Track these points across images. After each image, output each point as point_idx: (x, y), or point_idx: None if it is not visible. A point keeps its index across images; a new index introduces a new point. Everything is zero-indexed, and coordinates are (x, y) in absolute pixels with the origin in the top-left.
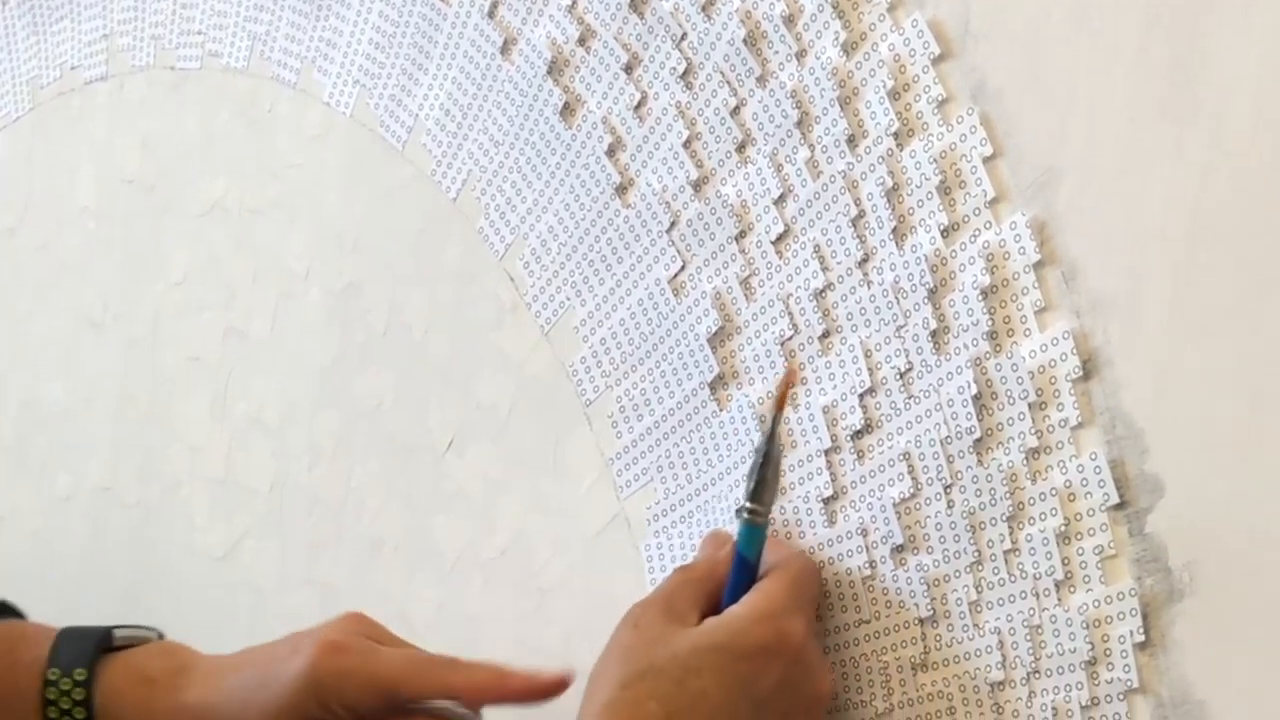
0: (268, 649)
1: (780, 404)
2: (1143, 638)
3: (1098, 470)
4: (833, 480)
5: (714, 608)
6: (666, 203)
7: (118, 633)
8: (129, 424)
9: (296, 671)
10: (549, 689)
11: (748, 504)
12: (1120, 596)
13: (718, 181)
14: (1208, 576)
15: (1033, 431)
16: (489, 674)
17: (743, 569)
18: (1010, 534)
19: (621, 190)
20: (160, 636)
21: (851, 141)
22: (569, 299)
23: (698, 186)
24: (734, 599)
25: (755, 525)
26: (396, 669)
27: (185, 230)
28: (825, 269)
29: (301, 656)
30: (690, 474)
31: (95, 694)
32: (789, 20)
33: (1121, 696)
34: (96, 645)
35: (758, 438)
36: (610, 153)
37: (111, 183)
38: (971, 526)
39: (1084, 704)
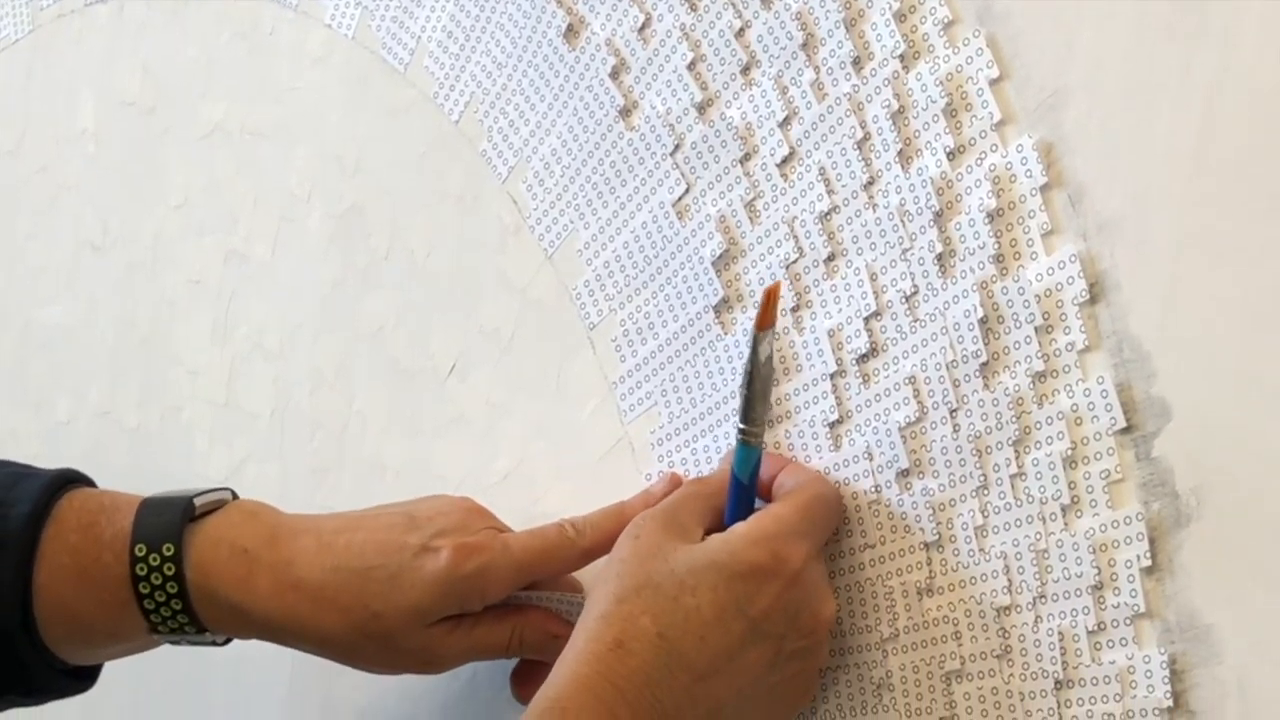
0: (384, 529)
1: (762, 321)
2: (1149, 562)
3: (1104, 394)
4: (838, 404)
5: (720, 524)
6: (671, 125)
7: (197, 500)
8: (129, 348)
9: (435, 575)
10: (670, 491)
11: (739, 424)
12: (1127, 521)
13: (722, 104)
14: (1215, 501)
15: (1039, 355)
16: (611, 518)
17: (738, 489)
18: (1016, 458)
19: (625, 113)
20: (234, 495)
21: (857, 64)
22: (572, 222)
23: (702, 109)
24: (733, 519)
25: (747, 445)
26: (532, 558)
27: (186, 153)
28: (830, 192)
29: (439, 559)
30: (694, 398)
31: (187, 569)
32: None
33: (1128, 621)
34: (182, 515)
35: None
36: (614, 75)
37: (111, 105)
38: (977, 451)
39: (1090, 629)
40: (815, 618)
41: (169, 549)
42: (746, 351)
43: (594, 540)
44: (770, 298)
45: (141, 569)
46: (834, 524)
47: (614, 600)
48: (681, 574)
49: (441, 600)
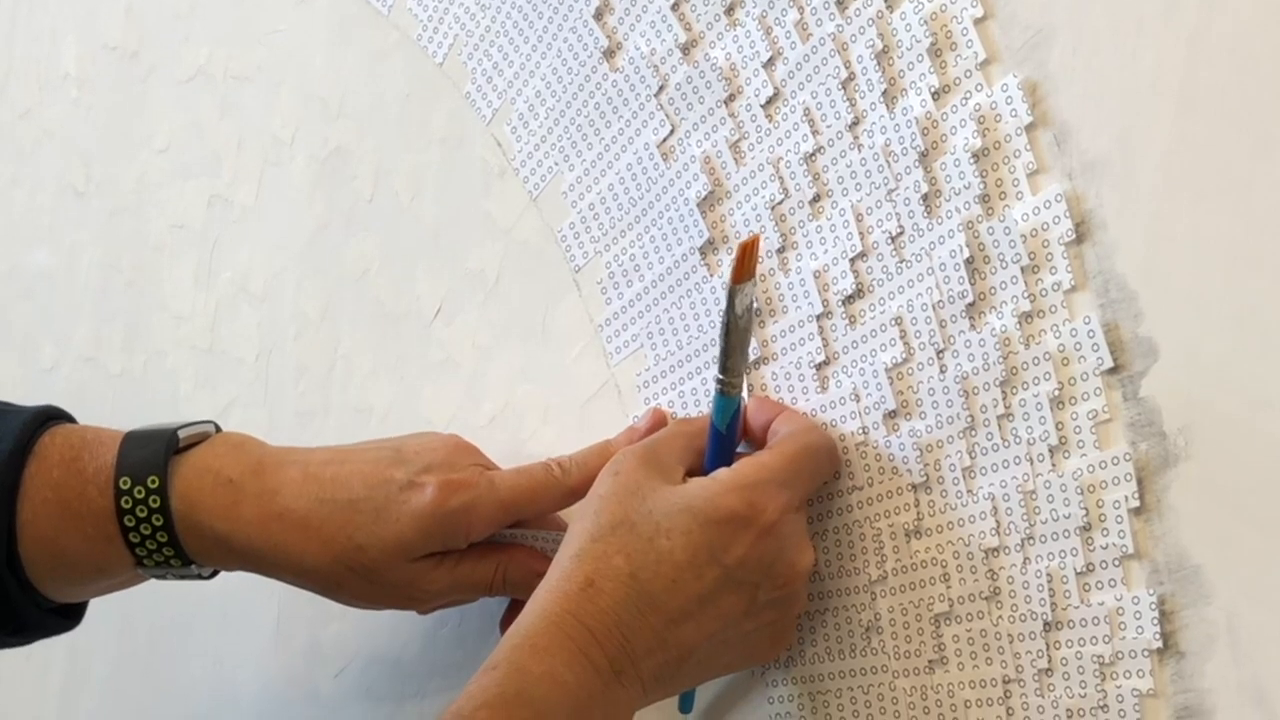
0: (371, 462)
1: (738, 274)
2: (1137, 503)
3: (1091, 334)
4: (824, 345)
5: (702, 467)
6: (655, 66)
7: (181, 432)
8: (113, 293)
9: (420, 510)
10: (654, 428)
11: (718, 374)
12: (1115, 461)
13: (706, 45)
14: (1203, 441)
15: (1025, 295)
16: (597, 455)
17: (716, 438)
18: (1003, 399)
19: (609, 54)
20: (217, 429)
21: (841, 3)
22: (557, 164)
23: (686, 50)
24: (713, 466)
25: (724, 395)
26: (519, 495)
27: (169, 97)
28: (815, 132)
29: (424, 495)
30: (681, 340)
31: (172, 500)
32: None
33: (1116, 562)
34: (166, 447)
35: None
36: (598, 16)
37: (95, 49)
38: (964, 391)
39: (1079, 570)
40: (791, 568)
41: (154, 481)
42: (724, 302)
43: (580, 479)
44: (746, 251)
45: (127, 502)
46: (823, 475)
47: (589, 538)
48: (658, 516)
49: (425, 535)
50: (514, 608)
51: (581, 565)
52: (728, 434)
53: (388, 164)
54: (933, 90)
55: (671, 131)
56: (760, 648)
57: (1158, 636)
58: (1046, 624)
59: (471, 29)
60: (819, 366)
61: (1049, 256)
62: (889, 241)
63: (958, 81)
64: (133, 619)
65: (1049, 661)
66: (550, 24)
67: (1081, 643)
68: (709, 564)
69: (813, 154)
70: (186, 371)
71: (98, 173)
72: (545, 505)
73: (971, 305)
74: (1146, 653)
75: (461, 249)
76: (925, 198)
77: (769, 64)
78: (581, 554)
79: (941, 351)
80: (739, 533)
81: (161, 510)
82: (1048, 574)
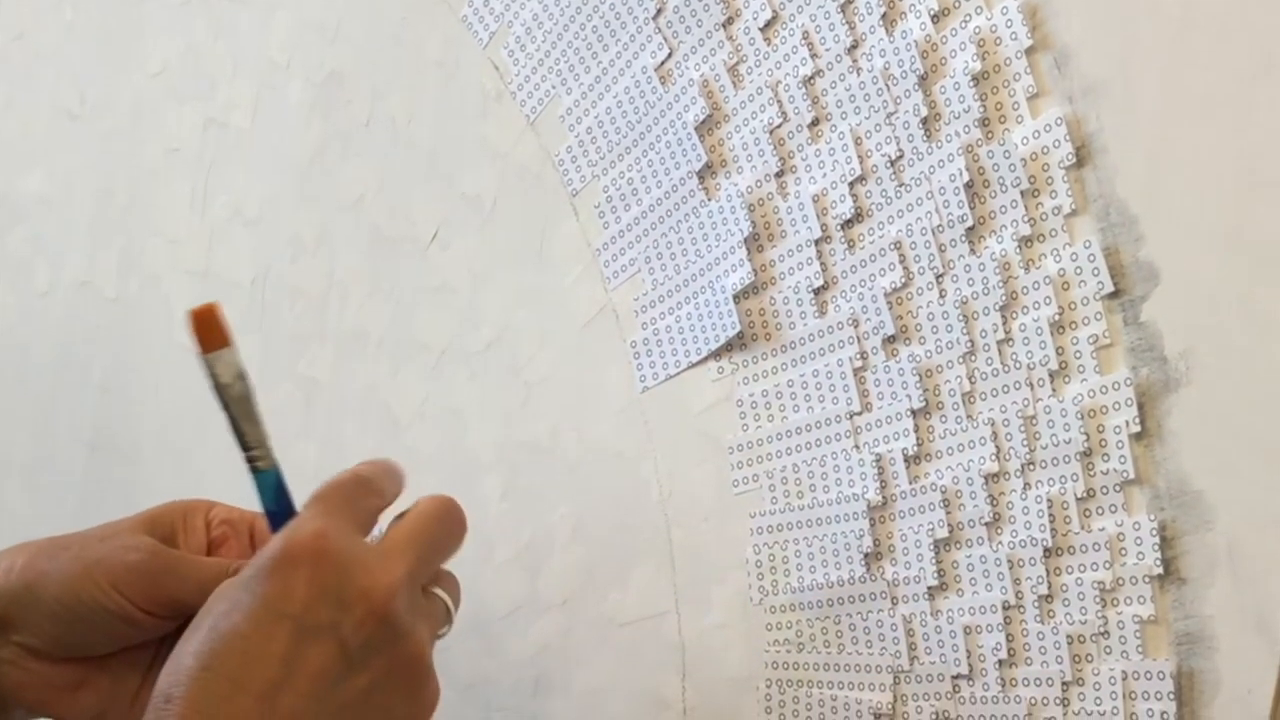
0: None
1: (203, 343)
2: (1138, 428)
3: (1092, 258)
4: (823, 270)
5: None
6: None
7: None
8: (108, 217)
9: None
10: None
11: (243, 453)
12: (1115, 386)
13: None
14: (1204, 365)
15: (1025, 219)
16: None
17: (271, 520)
18: (1004, 323)
19: None
20: None
21: None
22: (554, 87)
23: None
24: None
25: (257, 470)
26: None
27: (164, 20)
28: (814, 55)
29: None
30: (679, 264)
31: None
32: None
33: (1118, 488)
34: None
35: None
36: None
37: None
38: (964, 316)
39: (1080, 495)
40: (363, 592)
41: None
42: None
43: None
44: (200, 320)
45: None
46: (373, 489)
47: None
48: (214, 607)
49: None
50: None
51: (159, 684)
52: (279, 509)
53: (384, 88)
54: (932, 13)
55: (669, 55)
56: (399, 710)
57: (1159, 562)
58: (1047, 550)
59: None
60: (817, 291)
61: (1049, 180)
62: (888, 165)
63: (957, 4)
64: None
65: (1049, 587)
66: None
67: (1082, 568)
68: (274, 620)
69: (811, 77)
70: (181, 296)
71: (92, 96)
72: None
73: (971, 229)
74: (1147, 579)
75: (458, 173)
76: (925, 121)
77: None
78: (164, 670)
79: (941, 276)
80: (290, 574)
81: None
82: (1048, 499)
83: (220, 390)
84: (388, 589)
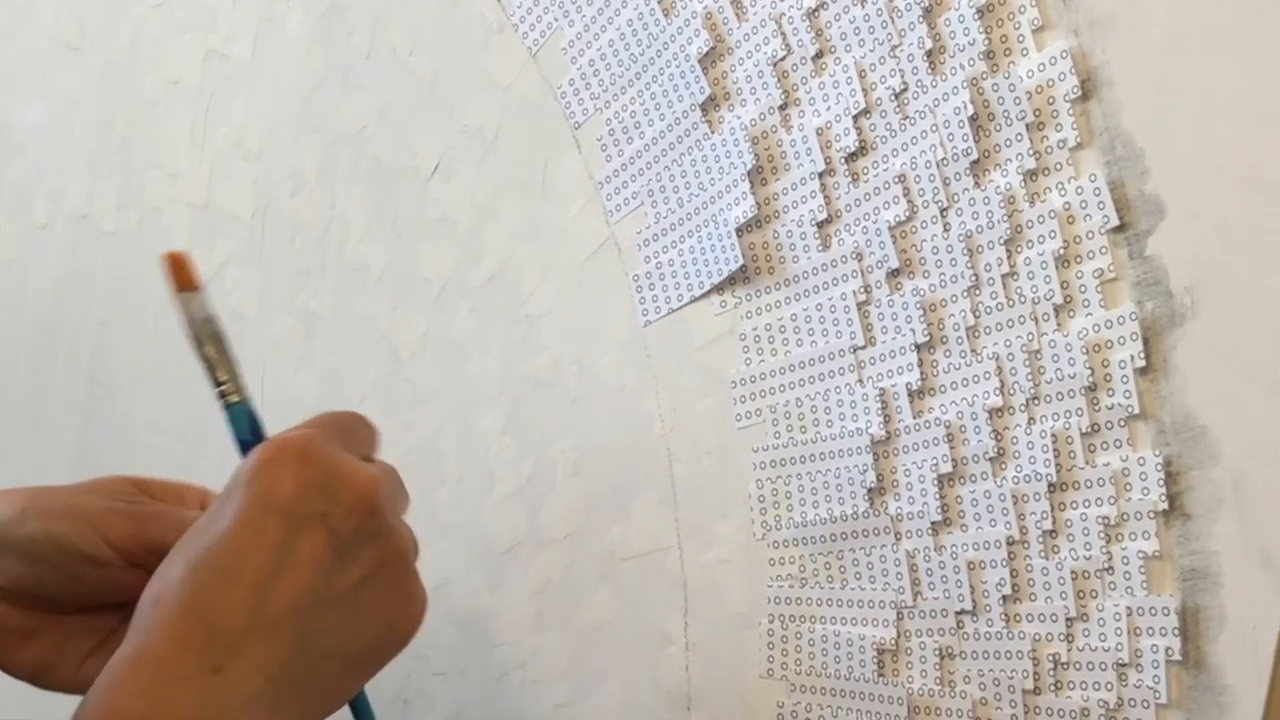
0: None
1: (177, 282)
2: (1143, 363)
3: (1097, 192)
4: (826, 203)
5: None
6: None
7: None
8: (107, 150)
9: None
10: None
11: (214, 389)
12: (1120, 320)
13: None
14: (1210, 300)
15: (1030, 153)
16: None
17: (245, 451)
18: (1008, 257)
19: None
20: None
21: None
22: (557, 19)
23: None
24: None
25: (230, 405)
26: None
27: None
28: None
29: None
30: (681, 197)
31: None
32: None
33: (1122, 423)
34: None
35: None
36: None
37: None
38: (968, 250)
39: (1084, 430)
40: (355, 486)
41: None
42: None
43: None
44: (174, 263)
45: None
46: (361, 436)
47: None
48: (200, 524)
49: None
50: None
51: (146, 593)
52: (254, 439)
53: (385, 19)
54: None
55: None
56: (390, 607)
57: (1164, 498)
58: (1051, 485)
59: None
60: (821, 224)
61: (1054, 114)
62: (892, 98)
63: None
64: None
65: (1054, 523)
66: None
67: (1087, 504)
68: (263, 514)
69: (815, 9)
70: (181, 229)
71: (91, 27)
72: None
73: (976, 163)
74: (1152, 514)
75: (460, 106)
76: (929, 54)
77: None
78: (150, 582)
79: (945, 209)
80: (278, 471)
81: None
82: (1053, 434)
83: (195, 329)
84: (372, 479)
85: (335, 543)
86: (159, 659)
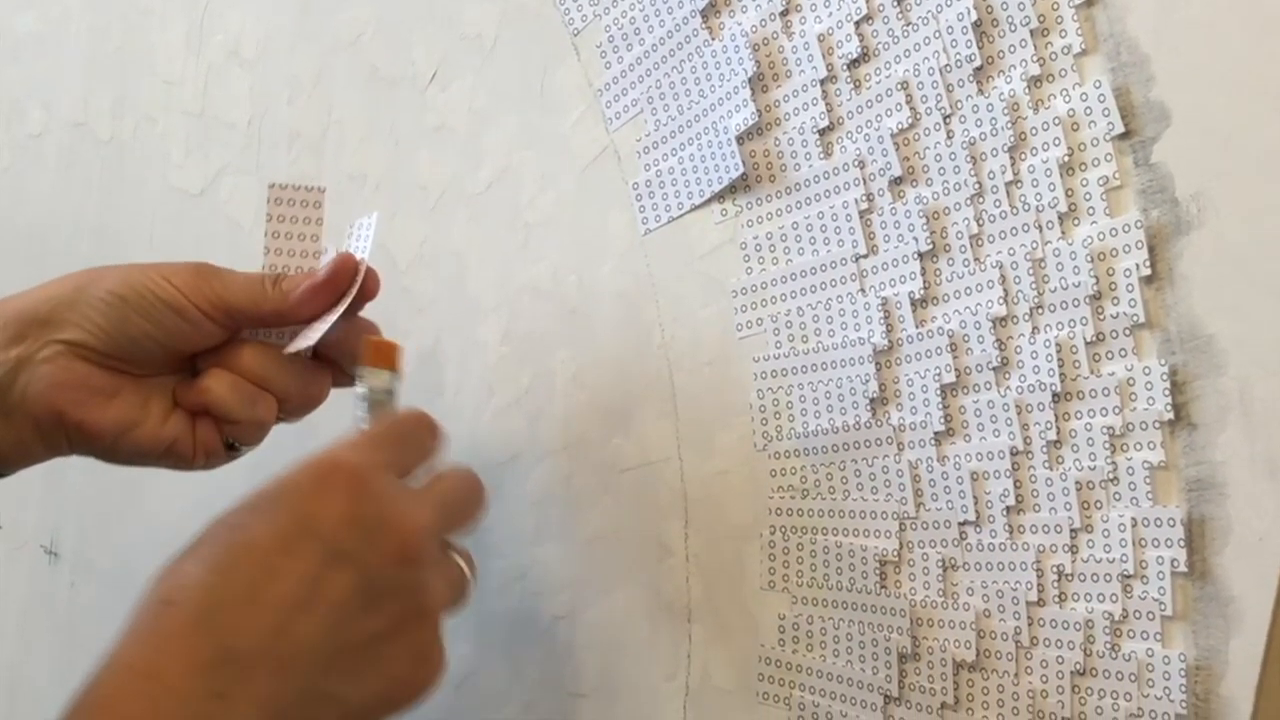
0: None
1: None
2: (1149, 271)
3: (1102, 98)
4: (828, 111)
5: None
6: None
7: None
8: (102, 57)
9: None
10: (338, 273)
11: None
12: (1125, 228)
13: None
14: (1216, 207)
15: (1034, 59)
16: (316, 285)
17: None
18: (1012, 165)
19: None
20: None
21: None
22: None
23: None
24: None
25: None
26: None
27: None
28: None
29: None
30: (681, 105)
31: None
32: None
33: (1127, 331)
34: None
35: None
36: None
37: None
38: (972, 157)
39: (1089, 339)
40: (399, 533)
41: None
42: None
43: (288, 304)
44: (389, 350)
45: None
46: (424, 443)
47: (177, 557)
48: (230, 520)
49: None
50: None
51: (156, 587)
52: None
53: None
54: None
55: None
56: (402, 666)
57: (1169, 408)
58: (1055, 395)
59: None
60: (823, 132)
61: (1059, 19)
62: (895, 4)
63: None
64: None
65: (1058, 433)
66: None
67: (1091, 414)
68: (301, 537)
69: None
70: (177, 137)
71: None
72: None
73: (979, 69)
74: (1157, 424)
75: (457, 12)
76: None
77: None
78: (161, 576)
79: (948, 116)
80: (327, 497)
81: None
82: (1057, 344)
83: (371, 395)
84: (417, 528)
85: (364, 586)
86: (163, 676)
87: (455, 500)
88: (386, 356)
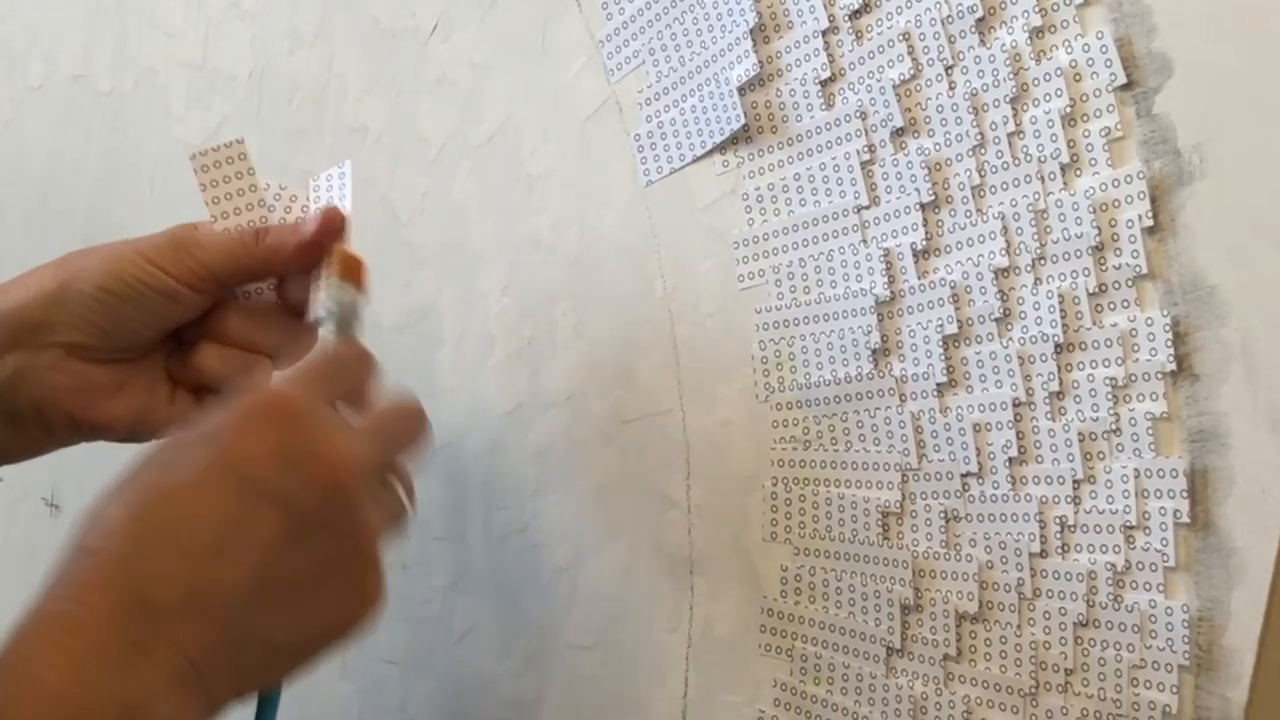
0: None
1: (351, 278)
2: (1151, 222)
3: (1104, 49)
4: (830, 62)
5: None
6: None
7: None
8: (102, 8)
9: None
10: (324, 230)
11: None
12: (1128, 179)
13: None
14: (1218, 158)
15: (1036, 9)
16: (288, 231)
17: None
18: (1014, 115)
19: None
20: None
21: None
22: None
23: None
24: None
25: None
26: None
27: None
28: None
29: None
30: (683, 56)
31: None
32: None
33: (1130, 283)
34: None
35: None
36: None
37: None
38: (974, 108)
39: (1091, 291)
40: (327, 466)
41: None
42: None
43: (264, 252)
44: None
45: None
46: (358, 375)
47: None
48: (157, 458)
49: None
50: None
51: (80, 534)
52: None
53: None
54: None
55: None
56: (336, 601)
57: (1171, 359)
58: (1058, 345)
59: None
60: (824, 83)
61: None
62: None
63: None
64: None
65: (1060, 384)
66: None
67: (1094, 365)
68: (223, 476)
69: None
70: (178, 89)
71: None
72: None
73: (981, 20)
74: (1160, 375)
75: None
76: None
77: None
78: (85, 520)
79: (950, 67)
80: (254, 429)
81: None
82: (1059, 294)
83: (335, 307)
84: (347, 459)
85: (291, 523)
86: (81, 627)
87: (392, 429)
88: (356, 272)
